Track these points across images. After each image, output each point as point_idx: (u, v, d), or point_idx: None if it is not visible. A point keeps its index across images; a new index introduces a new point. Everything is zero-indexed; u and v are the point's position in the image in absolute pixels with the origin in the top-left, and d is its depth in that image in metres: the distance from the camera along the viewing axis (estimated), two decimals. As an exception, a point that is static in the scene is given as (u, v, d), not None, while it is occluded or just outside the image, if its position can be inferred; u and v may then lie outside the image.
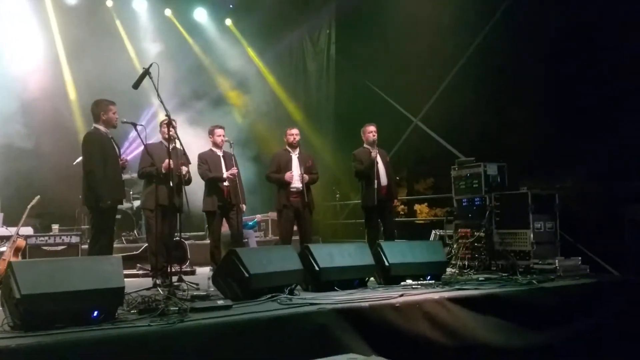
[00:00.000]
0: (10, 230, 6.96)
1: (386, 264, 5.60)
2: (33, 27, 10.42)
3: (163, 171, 5.97)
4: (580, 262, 6.35)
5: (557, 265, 6.16)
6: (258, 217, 8.91)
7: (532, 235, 6.49)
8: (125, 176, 7.19)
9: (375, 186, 6.83)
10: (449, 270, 6.53)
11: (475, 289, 5.20)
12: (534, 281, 5.56)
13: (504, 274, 6.20)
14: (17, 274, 3.63)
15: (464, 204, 7.28)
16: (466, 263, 6.91)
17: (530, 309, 5.12)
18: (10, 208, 7.90)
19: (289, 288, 4.91)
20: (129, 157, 6.35)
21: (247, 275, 4.67)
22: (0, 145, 9.25)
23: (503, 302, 5.01)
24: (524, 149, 7.53)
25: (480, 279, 5.86)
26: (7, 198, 8.50)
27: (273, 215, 9.12)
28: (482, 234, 6.86)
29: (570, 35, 7.02)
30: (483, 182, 7.08)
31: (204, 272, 7.13)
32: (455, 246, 7.16)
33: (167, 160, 5.74)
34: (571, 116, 6.97)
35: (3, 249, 6.87)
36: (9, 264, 3.79)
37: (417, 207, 12.63)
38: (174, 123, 5.76)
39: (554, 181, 6.90)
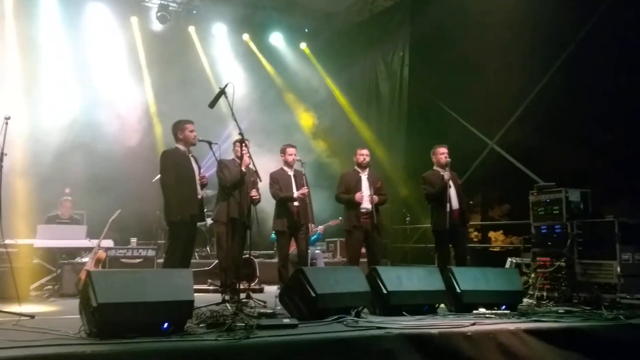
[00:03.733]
0: (93, 242, 7.29)
1: (458, 290, 5.40)
2: (121, 51, 11.05)
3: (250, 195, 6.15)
4: (674, 299, 5.84)
5: (647, 300, 5.73)
6: (320, 228, 8.83)
7: (618, 267, 6.07)
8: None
9: (448, 210, 6.65)
10: (525, 300, 6.22)
11: (555, 321, 4.90)
12: (621, 317, 5.16)
13: (586, 308, 5.80)
14: (94, 283, 3.78)
15: (543, 231, 6.93)
16: (544, 294, 6.53)
17: (615, 346, 4.73)
18: (94, 221, 8.27)
19: (355, 310, 4.83)
20: (207, 174, 6.56)
21: (313, 294, 4.65)
22: (86, 163, 9.78)
23: (586, 338, 4.67)
24: (609, 174, 7.13)
25: (560, 311, 5.52)
26: (92, 211, 8.93)
27: (335, 222, 9.03)
28: (562, 264, 6.49)
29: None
30: (564, 208, 6.71)
31: (272, 290, 7.16)
32: (532, 275, 6.80)
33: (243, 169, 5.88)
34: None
35: (86, 260, 7.22)
36: (88, 273, 3.97)
37: (491, 234, 12.22)
38: (246, 142, 5.88)
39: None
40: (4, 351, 3.23)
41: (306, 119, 12.41)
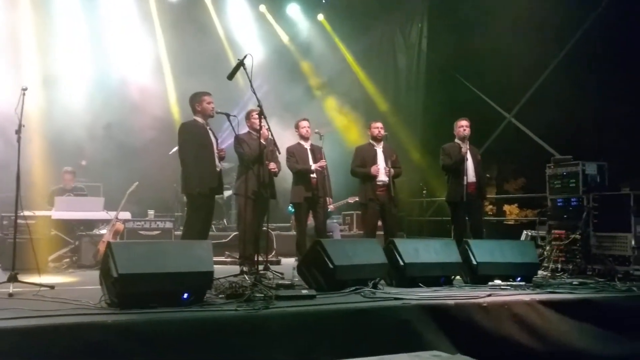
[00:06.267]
0: (110, 215, 7.37)
1: (474, 262, 5.44)
2: (137, 22, 11.00)
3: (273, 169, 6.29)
4: (687, 271, 5.83)
5: (661, 272, 5.72)
6: (332, 207, 8.85)
7: (633, 240, 6.04)
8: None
9: (464, 182, 6.65)
10: (540, 272, 6.25)
11: (569, 293, 4.93)
12: (634, 288, 5.18)
13: (600, 280, 5.84)
14: (115, 254, 3.83)
15: (558, 204, 6.91)
16: (559, 266, 6.56)
17: (629, 317, 4.77)
18: (111, 193, 8.36)
19: (372, 282, 4.89)
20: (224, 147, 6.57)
21: (331, 266, 4.70)
22: (103, 136, 9.84)
23: (599, 309, 4.71)
24: (626, 148, 7.06)
25: (574, 283, 5.57)
26: (108, 184, 9.02)
27: (353, 199, 8.99)
28: (577, 237, 6.49)
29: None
30: (581, 181, 6.68)
31: (289, 262, 7.23)
32: (548, 248, 6.82)
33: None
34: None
35: (104, 231, 7.32)
36: (108, 244, 4.00)
37: (506, 207, 12.19)
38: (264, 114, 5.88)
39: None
40: (27, 320, 3.31)
41: (323, 92, 12.35)
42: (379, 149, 7.02)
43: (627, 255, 6.08)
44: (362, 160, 7.03)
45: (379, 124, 7.13)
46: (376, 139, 7.07)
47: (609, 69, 7.62)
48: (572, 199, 6.73)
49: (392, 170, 6.85)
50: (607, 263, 6.15)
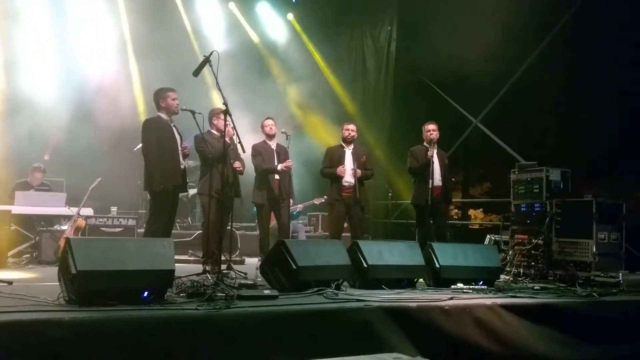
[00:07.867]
0: (72, 210, 7.22)
1: (437, 265, 5.48)
2: (103, 17, 10.76)
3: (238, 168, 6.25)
4: (646, 278, 5.95)
5: (620, 279, 5.83)
6: (300, 207, 8.84)
7: (594, 246, 6.18)
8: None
9: (430, 186, 6.70)
10: (502, 277, 6.34)
11: (531, 297, 5.00)
12: (595, 294, 5.28)
13: (561, 285, 5.94)
14: (74, 250, 3.74)
15: (522, 209, 7.02)
16: (521, 271, 6.66)
17: (588, 322, 4.86)
18: (73, 189, 8.16)
19: (335, 283, 4.87)
20: (188, 145, 6.44)
21: (294, 267, 4.67)
22: (66, 130, 9.60)
23: (560, 313, 4.78)
24: (590, 155, 7.22)
25: (536, 287, 5.65)
26: (71, 179, 8.80)
27: (319, 200, 8.98)
28: (540, 242, 6.60)
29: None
30: (544, 187, 6.79)
31: (253, 262, 7.20)
32: (510, 252, 6.92)
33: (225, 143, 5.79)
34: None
35: (65, 227, 7.15)
36: (67, 240, 3.90)
37: (471, 212, 12.36)
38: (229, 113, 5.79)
39: (621, 190, 6.56)
40: (-19, 316, 3.20)
41: (291, 91, 12.30)
42: (348, 151, 7.02)
43: (589, 261, 6.20)
44: (330, 161, 7.04)
45: (351, 126, 7.14)
46: (346, 140, 7.08)
47: (574, 76, 7.78)
48: (536, 205, 6.84)
49: (358, 171, 6.85)
50: (569, 268, 6.26)
